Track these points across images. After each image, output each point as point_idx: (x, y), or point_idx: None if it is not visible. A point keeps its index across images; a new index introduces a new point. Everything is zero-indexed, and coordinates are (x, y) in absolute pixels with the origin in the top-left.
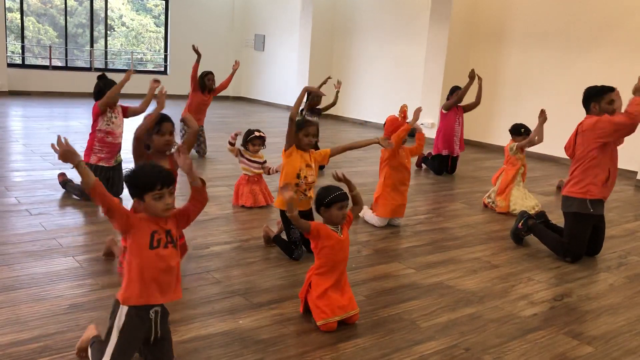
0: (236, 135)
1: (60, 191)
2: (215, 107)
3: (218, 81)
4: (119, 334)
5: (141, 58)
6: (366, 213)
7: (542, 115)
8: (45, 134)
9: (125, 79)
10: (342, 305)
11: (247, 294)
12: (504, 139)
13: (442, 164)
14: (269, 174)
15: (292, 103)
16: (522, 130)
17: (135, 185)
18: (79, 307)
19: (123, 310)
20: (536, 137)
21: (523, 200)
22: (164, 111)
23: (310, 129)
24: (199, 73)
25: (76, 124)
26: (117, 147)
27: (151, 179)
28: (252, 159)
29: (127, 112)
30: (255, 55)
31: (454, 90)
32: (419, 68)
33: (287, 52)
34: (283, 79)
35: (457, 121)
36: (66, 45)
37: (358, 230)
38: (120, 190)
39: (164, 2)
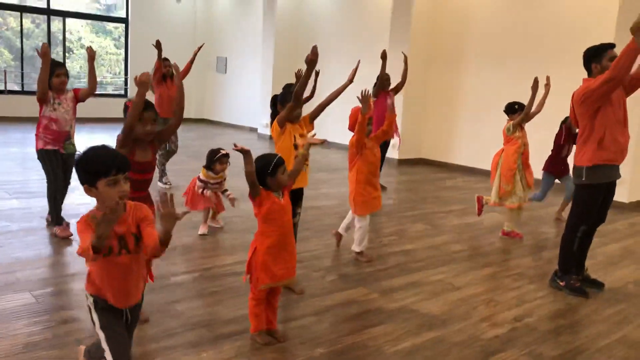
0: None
1: (16, 222)
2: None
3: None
4: (96, 313)
5: (101, 81)
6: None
7: (535, 84)
8: (0, 162)
9: (42, 60)
10: (281, 276)
11: (210, 325)
12: (465, 159)
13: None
14: (227, 197)
15: (255, 124)
16: (517, 107)
17: (87, 171)
18: (34, 345)
19: (91, 303)
20: (533, 109)
21: (522, 190)
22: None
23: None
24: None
25: (33, 150)
26: (63, 135)
27: (105, 163)
28: (214, 182)
29: (79, 96)
30: (217, 78)
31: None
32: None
33: (249, 74)
34: (246, 101)
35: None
36: (22, 69)
37: (322, 255)
38: (69, 181)
39: (123, 24)
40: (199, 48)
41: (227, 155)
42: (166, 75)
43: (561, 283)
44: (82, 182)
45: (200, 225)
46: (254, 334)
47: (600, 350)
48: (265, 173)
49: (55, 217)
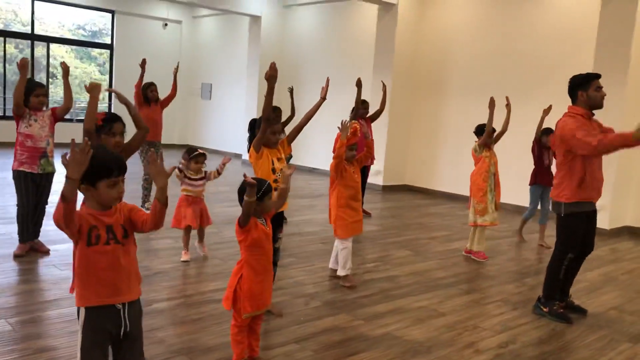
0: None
1: None
2: None
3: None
4: (82, 332)
5: (84, 107)
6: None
7: (491, 104)
8: None
9: (20, 72)
10: (263, 304)
11: (192, 353)
12: (448, 185)
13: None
14: (218, 174)
15: (240, 150)
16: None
17: (89, 171)
18: None
19: (81, 309)
20: (496, 128)
21: (492, 209)
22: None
23: (276, 127)
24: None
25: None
26: (38, 152)
27: (109, 164)
28: (195, 177)
29: (57, 114)
30: (202, 104)
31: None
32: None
33: (234, 101)
34: (230, 128)
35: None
36: (4, 94)
37: (306, 281)
38: (47, 201)
39: (108, 50)
40: (176, 68)
41: (203, 155)
42: (151, 99)
43: (545, 309)
44: (81, 181)
45: (182, 251)
46: None
47: None
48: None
49: (20, 236)
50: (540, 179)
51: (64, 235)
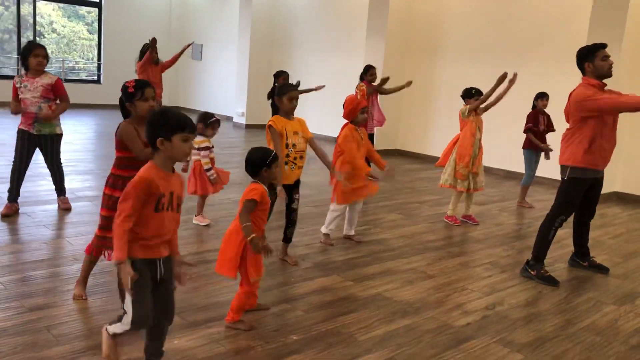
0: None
1: None
2: None
3: None
4: (133, 289)
5: (73, 66)
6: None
7: (501, 79)
8: None
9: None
10: (262, 268)
11: (183, 312)
12: (439, 150)
13: None
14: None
15: (231, 113)
16: (473, 91)
17: (165, 124)
18: (3, 332)
19: (128, 264)
20: (490, 99)
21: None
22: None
23: (294, 93)
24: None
25: (3, 136)
26: (29, 117)
27: (184, 120)
28: (210, 146)
29: (57, 91)
30: (193, 65)
31: (368, 69)
32: (356, 81)
33: (225, 62)
34: (222, 89)
35: (372, 103)
36: None
37: (297, 243)
38: (58, 161)
39: (97, 9)
40: (189, 45)
41: (219, 122)
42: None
43: (532, 272)
44: (157, 136)
45: (199, 217)
46: (236, 322)
47: (569, 337)
48: (264, 164)
49: (9, 194)
50: (534, 145)
51: (54, 197)
